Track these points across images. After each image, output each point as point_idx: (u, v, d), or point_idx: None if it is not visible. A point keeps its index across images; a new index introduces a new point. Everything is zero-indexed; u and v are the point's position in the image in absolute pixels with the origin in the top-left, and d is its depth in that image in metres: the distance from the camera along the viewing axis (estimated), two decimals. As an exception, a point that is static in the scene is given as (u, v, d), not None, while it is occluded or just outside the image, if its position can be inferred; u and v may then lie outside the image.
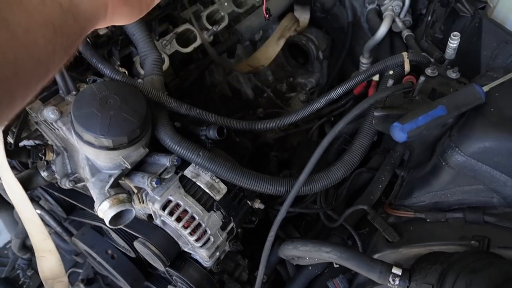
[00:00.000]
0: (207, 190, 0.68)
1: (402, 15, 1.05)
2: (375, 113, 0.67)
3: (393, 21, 1.03)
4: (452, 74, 0.72)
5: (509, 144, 0.59)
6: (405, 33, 0.97)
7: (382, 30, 1.00)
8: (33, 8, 0.30)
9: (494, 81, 0.65)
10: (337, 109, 1.11)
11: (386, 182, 0.84)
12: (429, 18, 0.89)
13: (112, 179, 0.65)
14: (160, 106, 0.70)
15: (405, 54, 0.75)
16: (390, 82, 0.70)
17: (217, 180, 0.70)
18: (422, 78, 0.66)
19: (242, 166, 0.90)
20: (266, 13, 0.98)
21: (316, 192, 0.75)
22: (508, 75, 0.66)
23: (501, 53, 0.72)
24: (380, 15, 1.09)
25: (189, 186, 0.68)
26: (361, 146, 0.73)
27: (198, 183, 0.69)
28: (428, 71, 0.72)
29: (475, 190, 0.64)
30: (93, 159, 0.66)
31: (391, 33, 1.05)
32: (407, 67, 0.74)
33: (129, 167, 0.64)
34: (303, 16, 1.28)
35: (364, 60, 1.10)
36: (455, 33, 0.69)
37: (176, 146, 0.67)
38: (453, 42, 0.70)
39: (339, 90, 0.78)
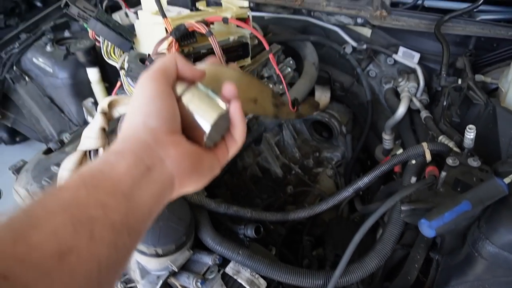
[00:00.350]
0: (247, 287, 0.73)
1: (418, 95, 1.12)
2: (402, 208, 0.71)
3: (411, 100, 1.10)
4: (473, 163, 0.76)
5: (539, 237, 0.61)
6: (424, 114, 1.03)
7: (401, 110, 1.08)
8: (75, 263, 0.26)
9: (515, 171, 0.69)
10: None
11: (422, 260, 0.85)
12: (445, 102, 0.95)
13: (160, 282, 0.71)
14: (201, 208, 0.78)
15: (425, 144, 0.80)
16: (413, 179, 0.75)
17: (257, 276, 0.75)
18: (443, 173, 0.71)
19: (277, 249, 0.95)
20: (293, 107, 1.07)
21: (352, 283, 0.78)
22: (528, 164, 0.70)
23: (519, 140, 0.76)
24: (397, 94, 1.17)
25: (230, 284, 0.73)
26: (392, 235, 0.76)
27: (239, 280, 0.73)
28: (449, 161, 0.76)
29: (512, 281, 0.65)
30: (143, 263, 0.73)
31: (410, 110, 1.12)
32: (428, 157, 0.79)
33: (176, 270, 0.70)
34: (324, 95, 1.37)
35: (386, 137, 1.16)
36: (470, 126, 0.75)
37: (218, 246, 0.73)
38: (470, 134, 0.75)
39: (366, 180, 0.84)
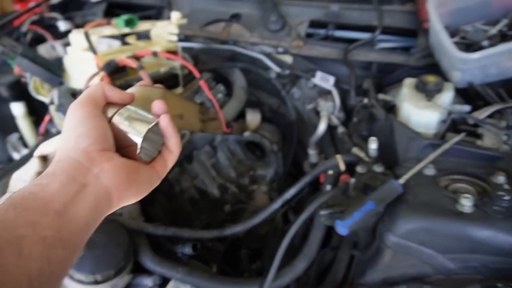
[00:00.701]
0: (189, 303, 0.78)
1: (336, 113, 1.28)
2: (321, 212, 0.83)
3: (329, 118, 1.26)
4: (378, 169, 0.91)
5: (426, 224, 0.77)
6: (340, 129, 1.19)
7: (322, 127, 1.22)
8: (2, 279, 0.28)
9: (408, 173, 0.85)
10: (296, 196, 1.27)
11: (347, 260, 0.98)
12: (355, 119, 1.11)
13: (101, 308, 0.74)
14: (139, 232, 0.83)
15: (338, 156, 0.94)
16: (329, 187, 0.88)
17: (196, 291, 0.81)
18: (353, 180, 0.84)
19: (218, 266, 1.01)
20: (227, 127, 1.17)
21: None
22: (417, 166, 0.86)
23: (411, 147, 0.93)
24: (318, 113, 1.33)
25: (172, 302, 0.78)
26: (316, 238, 0.88)
27: (180, 297, 0.79)
28: (359, 169, 0.91)
29: (412, 264, 0.79)
30: (83, 292, 0.75)
31: (330, 127, 1.28)
32: (341, 167, 0.93)
33: (117, 294, 0.74)
34: (255, 117, 1.49)
35: (311, 152, 1.30)
36: (372, 138, 0.90)
37: (157, 267, 0.78)
38: (372, 145, 0.91)
39: (292, 191, 0.95)
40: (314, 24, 1.38)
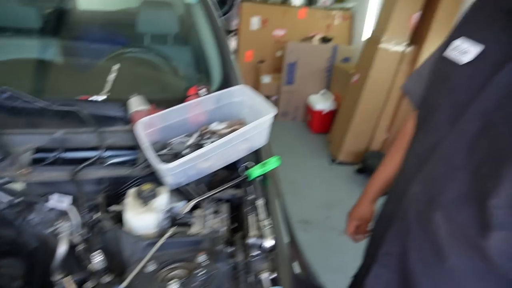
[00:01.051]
0: None
1: (77, 231, 1.36)
2: None
3: (69, 238, 1.32)
4: (106, 279, 1.03)
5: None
6: (79, 247, 1.26)
7: (60, 250, 1.26)
8: None
9: (129, 276, 1.00)
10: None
11: None
12: (90, 234, 1.22)
13: None
14: None
15: (67, 278, 1.01)
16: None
17: None
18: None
19: None
20: None
21: None
22: (137, 267, 1.03)
23: (135, 250, 1.11)
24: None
25: None
26: None
27: None
28: (87, 284, 1.00)
29: None
30: None
31: (74, 246, 1.33)
32: (71, 288, 1.00)
33: None
34: (-14, 256, 1.37)
35: (56, 278, 1.30)
36: (94, 252, 1.03)
37: None
38: (95, 258, 1.03)
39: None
40: (42, 149, 1.47)
